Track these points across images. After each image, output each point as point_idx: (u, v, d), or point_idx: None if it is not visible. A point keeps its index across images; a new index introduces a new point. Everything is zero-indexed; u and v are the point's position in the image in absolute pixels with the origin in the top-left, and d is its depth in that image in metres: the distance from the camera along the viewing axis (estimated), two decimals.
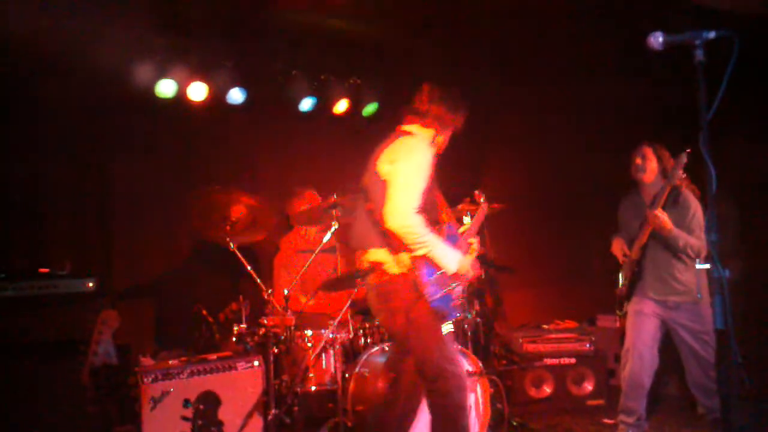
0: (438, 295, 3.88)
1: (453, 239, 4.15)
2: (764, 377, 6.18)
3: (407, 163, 3.94)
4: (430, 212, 3.99)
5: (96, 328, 4.12)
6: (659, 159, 5.11)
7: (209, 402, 4.10)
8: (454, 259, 3.97)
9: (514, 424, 5.61)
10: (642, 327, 5.13)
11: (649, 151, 5.13)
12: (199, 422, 3.92)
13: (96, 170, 5.92)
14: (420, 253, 3.87)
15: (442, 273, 3.93)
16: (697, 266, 4.80)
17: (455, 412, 3.94)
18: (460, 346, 5.02)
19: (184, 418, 4.02)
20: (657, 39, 3.00)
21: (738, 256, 5.21)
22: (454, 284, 3.99)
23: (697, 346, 5.00)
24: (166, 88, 6.04)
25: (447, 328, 4.05)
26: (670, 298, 5.04)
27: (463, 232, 4.35)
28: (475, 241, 4.29)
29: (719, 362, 4.47)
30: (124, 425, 4.22)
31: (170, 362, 4.53)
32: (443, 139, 4.25)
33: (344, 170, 6.94)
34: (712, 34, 2.88)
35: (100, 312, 4.19)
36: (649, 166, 5.12)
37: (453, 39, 6.90)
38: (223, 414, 4.43)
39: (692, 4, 5.30)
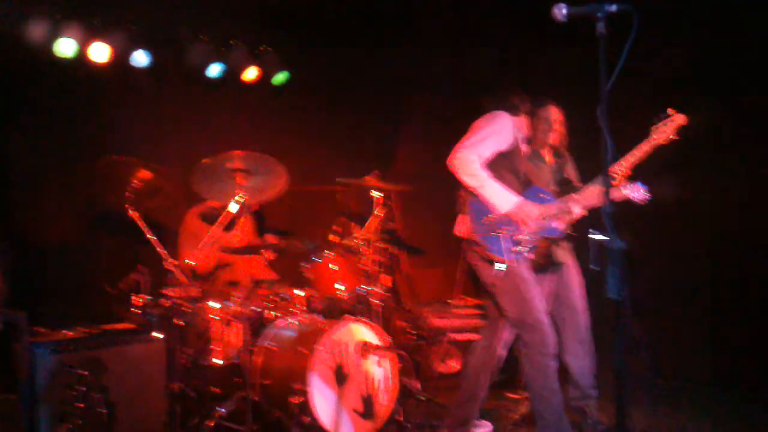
0: (485, 234, 4.29)
1: (538, 201, 4.43)
2: (660, 353, 6.43)
3: (482, 121, 4.47)
4: (516, 177, 4.48)
5: None
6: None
7: (94, 369, 3.94)
8: (507, 200, 4.27)
9: (422, 398, 5.61)
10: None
11: (561, 116, 5.08)
12: (83, 389, 3.77)
13: None
14: (472, 183, 4.26)
15: (493, 217, 4.29)
16: (593, 237, 4.84)
17: (540, 360, 4.31)
18: (367, 321, 4.96)
19: (67, 386, 3.85)
20: (561, 10, 3.08)
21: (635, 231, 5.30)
22: (508, 228, 4.30)
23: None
24: (65, 47, 5.77)
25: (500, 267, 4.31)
26: None
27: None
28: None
29: (614, 334, 4.56)
30: (5, 394, 4.02)
31: (68, 333, 4.33)
32: (521, 122, 4.65)
33: (251, 138, 6.82)
34: (612, 7, 2.94)
35: None
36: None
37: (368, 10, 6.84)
38: (113, 382, 4.21)
39: None
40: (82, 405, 3.78)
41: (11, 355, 4.00)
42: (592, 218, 4.56)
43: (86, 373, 3.84)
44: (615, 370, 3.09)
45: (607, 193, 2.98)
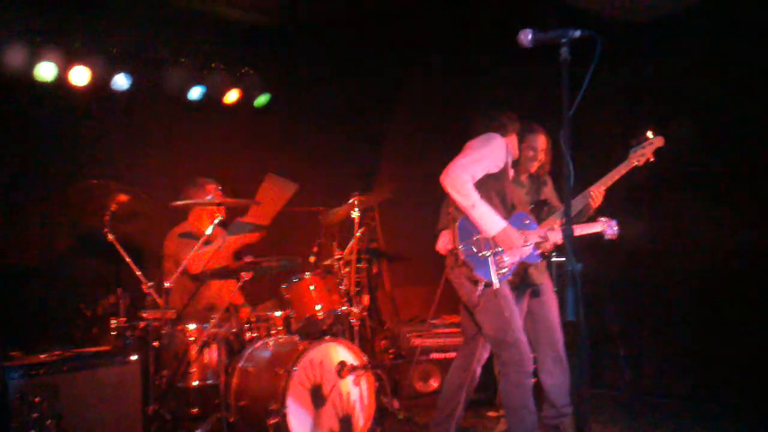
0: (470, 254, 4.31)
1: (522, 227, 4.51)
2: (643, 371, 6.47)
3: (477, 141, 4.50)
4: (502, 201, 4.52)
5: None
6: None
7: (46, 395, 3.93)
8: (496, 224, 4.33)
9: (400, 417, 5.62)
10: None
11: (548, 144, 5.11)
12: (35, 415, 3.77)
13: None
14: (464, 203, 4.30)
15: (479, 238, 4.34)
16: (553, 259, 4.90)
17: (517, 378, 4.34)
18: (344, 341, 4.99)
19: (14, 411, 3.85)
20: (526, 36, 3.11)
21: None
22: (493, 250, 4.34)
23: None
24: (45, 71, 5.79)
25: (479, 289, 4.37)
26: None
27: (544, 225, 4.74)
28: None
29: (571, 353, 4.62)
30: None
31: (41, 356, 4.32)
32: (510, 142, 4.67)
33: (233, 162, 6.85)
34: (577, 33, 2.99)
35: None
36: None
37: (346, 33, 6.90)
38: (85, 405, 4.22)
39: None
40: None
41: None
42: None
43: (37, 399, 3.84)
44: (575, 387, 3.12)
45: (568, 218, 3.00)
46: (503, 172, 4.54)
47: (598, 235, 4.85)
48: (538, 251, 4.61)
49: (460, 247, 4.32)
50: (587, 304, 2.94)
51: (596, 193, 4.77)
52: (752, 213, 5.73)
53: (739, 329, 5.85)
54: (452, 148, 4.56)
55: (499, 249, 4.37)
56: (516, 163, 4.94)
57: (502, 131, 4.58)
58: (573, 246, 2.96)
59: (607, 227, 4.82)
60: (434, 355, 6.31)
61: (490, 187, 4.45)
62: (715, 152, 5.91)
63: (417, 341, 6.35)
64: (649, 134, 4.74)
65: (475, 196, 4.30)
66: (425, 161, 7.56)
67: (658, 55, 6.19)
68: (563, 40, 3.00)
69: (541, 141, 5.05)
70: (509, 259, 4.40)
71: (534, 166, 5.10)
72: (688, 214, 6.11)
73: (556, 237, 4.61)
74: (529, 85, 6.51)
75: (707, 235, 5.98)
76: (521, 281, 4.80)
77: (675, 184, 6.11)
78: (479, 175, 4.38)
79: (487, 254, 4.33)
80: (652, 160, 4.74)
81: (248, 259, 4.97)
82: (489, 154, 4.44)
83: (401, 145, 8.08)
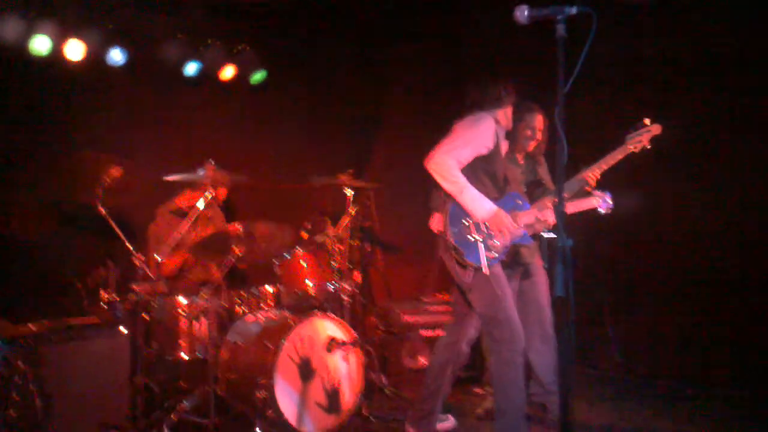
0: (460, 239, 4.28)
1: (515, 207, 4.48)
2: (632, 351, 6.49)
3: (465, 123, 4.42)
4: (495, 181, 4.47)
5: None
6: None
7: (30, 360, 3.98)
8: (485, 207, 4.30)
9: (388, 393, 5.68)
10: None
11: (545, 124, 5.10)
12: (17, 380, 3.83)
13: None
14: (450, 189, 4.26)
15: (469, 222, 4.30)
16: (544, 234, 4.92)
17: (508, 356, 4.33)
18: (334, 316, 5.02)
19: (4, 377, 3.90)
20: (522, 13, 3.08)
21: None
22: (484, 235, 4.31)
23: None
24: (40, 44, 5.78)
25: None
26: None
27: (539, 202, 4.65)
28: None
29: (558, 329, 4.64)
30: None
31: (31, 327, 4.36)
32: (505, 115, 4.58)
33: (228, 138, 6.87)
34: (573, 10, 2.95)
35: None
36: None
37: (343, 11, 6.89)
38: (73, 376, 4.25)
39: None
40: (17, 398, 3.83)
41: None
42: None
43: (19, 363, 3.89)
44: (560, 366, 3.13)
45: (560, 195, 3.01)
46: (494, 152, 4.45)
47: (592, 211, 4.86)
48: (530, 232, 4.61)
49: (450, 232, 4.30)
50: (578, 282, 2.92)
51: (591, 177, 4.76)
52: (749, 196, 5.74)
53: (730, 312, 5.88)
54: (448, 128, 4.53)
55: (490, 232, 4.35)
56: (512, 139, 4.93)
57: (497, 104, 4.50)
58: (565, 223, 2.96)
59: (601, 201, 4.81)
60: (423, 332, 6.33)
61: (480, 167, 4.39)
62: (714, 133, 5.90)
63: (408, 318, 6.39)
64: (647, 121, 4.73)
65: (461, 180, 4.26)
66: (421, 140, 7.57)
67: (658, 35, 6.16)
68: (559, 17, 2.97)
69: (539, 120, 5.06)
70: (500, 243, 4.37)
71: (531, 145, 5.11)
72: (684, 196, 6.11)
73: (550, 216, 4.59)
74: (527, 64, 6.49)
75: (702, 217, 5.98)
76: (512, 260, 4.81)
77: (672, 164, 6.10)
78: (466, 159, 4.32)
79: (478, 239, 4.31)
80: (648, 147, 4.72)
81: (238, 225, 5.00)
82: (476, 137, 4.36)
83: (397, 123, 8.07)
